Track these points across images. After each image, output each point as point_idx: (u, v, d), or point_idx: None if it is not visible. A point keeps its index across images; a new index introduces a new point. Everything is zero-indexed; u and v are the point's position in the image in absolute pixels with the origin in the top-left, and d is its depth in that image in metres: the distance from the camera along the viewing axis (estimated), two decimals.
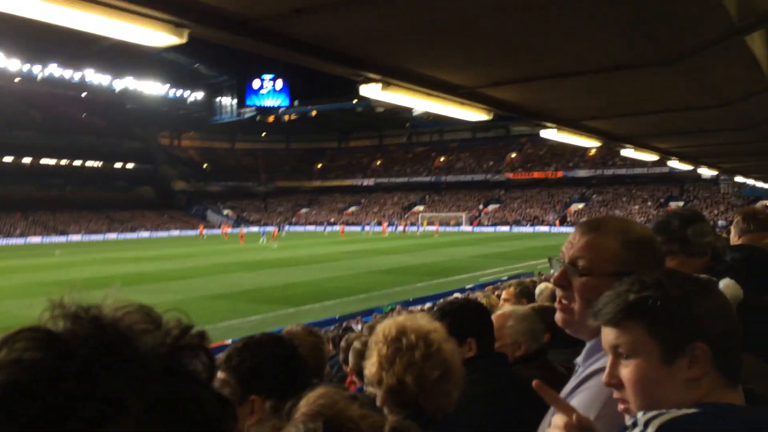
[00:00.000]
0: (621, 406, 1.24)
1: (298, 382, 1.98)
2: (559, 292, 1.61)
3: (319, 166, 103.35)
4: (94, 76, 78.71)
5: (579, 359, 1.63)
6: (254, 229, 70.87)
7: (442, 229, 68.39)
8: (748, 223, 3.52)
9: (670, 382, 1.16)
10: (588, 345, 1.59)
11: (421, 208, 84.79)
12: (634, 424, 1.08)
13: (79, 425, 0.49)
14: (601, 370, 1.33)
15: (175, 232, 74.54)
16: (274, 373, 2.03)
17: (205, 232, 69.88)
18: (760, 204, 58.77)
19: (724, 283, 2.05)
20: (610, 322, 1.22)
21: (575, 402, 1.44)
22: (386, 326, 1.96)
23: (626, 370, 1.20)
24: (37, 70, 74.41)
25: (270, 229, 63.87)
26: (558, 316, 1.63)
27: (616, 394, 1.25)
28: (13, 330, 0.55)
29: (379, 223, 75.14)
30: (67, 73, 76.40)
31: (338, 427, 1.01)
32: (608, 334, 1.24)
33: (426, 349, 1.87)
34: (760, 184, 28.36)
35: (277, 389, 1.94)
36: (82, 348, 0.53)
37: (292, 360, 2.12)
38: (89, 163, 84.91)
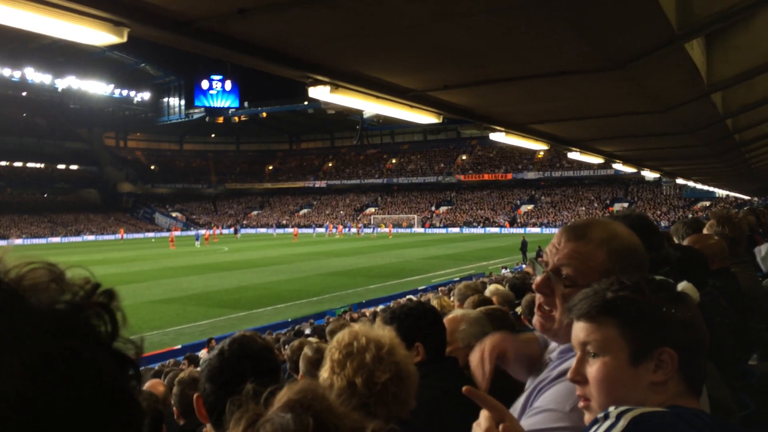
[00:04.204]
0: (582, 404, 1.25)
1: None
2: (540, 298, 1.56)
3: (270, 167, 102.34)
4: (35, 75, 75.78)
5: (553, 355, 1.63)
6: (191, 232, 69.60)
7: (394, 230, 68.65)
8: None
9: (635, 384, 1.18)
10: (565, 345, 1.57)
11: (373, 210, 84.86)
12: (606, 417, 1.08)
13: None
14: None
15: (123, 235, 72.69)
16: None
17: (152, 235, 67.87)
18: (700, 205, 61.04)
19: (682, 286, 2.04)
20: (584, 317, 1.22)
21: (553, 391, 1.45)
22: (341, 334, 1.95)
23: (593, 368, 1.21)
24: None
25: (203, 232, 62.76)
26: (537, 321, 1.59)
27: (578, 391, 1.25)
28: None
29: (335, 226, 75.11)
30: (6, 72, 73.37)
31: (326, 423, 0.95)
32: (580, 330, 1.24)
33: (377, 351, 1.85)
34: (700, 186, 29.44)
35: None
36: None
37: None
38: (30, 165, 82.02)
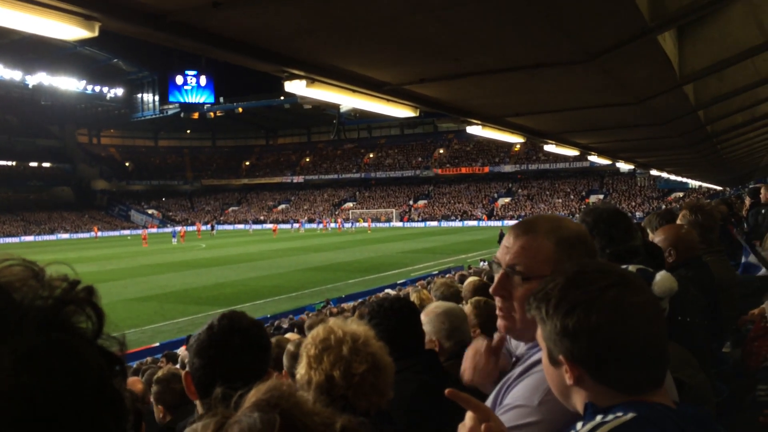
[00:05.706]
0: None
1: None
2: (499, 302, 1.58)
3: (247, 163, 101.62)
4: (4, 72, 74.15)
5: (522, 350, 1.64)
6: (167, 229, 69.00)
7: (372, 225, 68.70)
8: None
9: (561, 383, 1.21)
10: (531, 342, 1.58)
11: (351, 204, 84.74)
12: None
13: None
14: None
15: (97, 233, 71.75)
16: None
17: (128, 233, 67.03)
18: (673, 196, 61.85)
19: (660, 276, 2.05)
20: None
21: (521, 386, 1.46)
22: (316, 330, 1.97)
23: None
24: None
25: (179, 229, 62.09)
26: (500, 324, 1.60)
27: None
28: None
29: (311, 221, 74.91)
30: None
31: (294, 420, 0.95)
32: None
33: (353, 343, 1.88)
34: (673, 177, 29.88)
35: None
36: None
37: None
38: (1, 163, 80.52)
